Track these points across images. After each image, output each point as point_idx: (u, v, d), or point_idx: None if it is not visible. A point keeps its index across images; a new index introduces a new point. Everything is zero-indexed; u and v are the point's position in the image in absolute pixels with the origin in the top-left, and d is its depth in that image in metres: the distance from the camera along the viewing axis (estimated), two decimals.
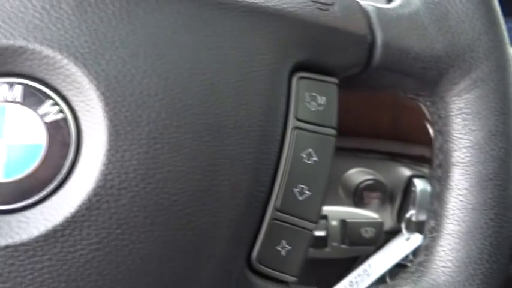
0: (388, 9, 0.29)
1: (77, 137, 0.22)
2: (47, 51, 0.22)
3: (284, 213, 0.25)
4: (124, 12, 0.23)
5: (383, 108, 0.50)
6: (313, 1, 0.27)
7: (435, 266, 0.27)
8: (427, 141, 0.51)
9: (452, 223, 0.27)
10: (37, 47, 0.22)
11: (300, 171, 0.25)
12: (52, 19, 0.22)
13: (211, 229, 0.23)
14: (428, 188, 0.47)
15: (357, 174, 0.50)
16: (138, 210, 0.21)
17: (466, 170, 0.28)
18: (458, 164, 0.28)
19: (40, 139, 0.22)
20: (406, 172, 0.49)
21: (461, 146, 0.28)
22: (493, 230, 0.27)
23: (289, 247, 0.25)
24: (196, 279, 0.23)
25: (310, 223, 0.25)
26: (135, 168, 0.21)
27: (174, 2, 0.24)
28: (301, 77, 0.26)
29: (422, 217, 0.47)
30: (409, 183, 0.48)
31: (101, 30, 0.22)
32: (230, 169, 0.23)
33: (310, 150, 0.26)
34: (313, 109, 0.26)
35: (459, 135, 0.28)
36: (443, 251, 0.27)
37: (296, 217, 0.25)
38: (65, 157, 0.22)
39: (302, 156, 0.25)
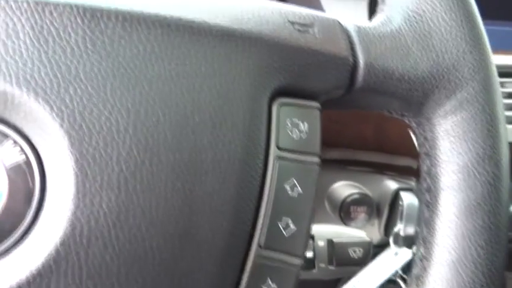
0: (370, 28, 0.28)
1: (41, 181, 0.20)
2: (5, 87, 0.20)
3: (269, 249, 0.24)
4: (88, 41, 0.21)
5: (368, 120, 0.49)
6: (291, 22, 0.26)
7: None
8: (413, 153, 0.50)
9: (442, 251, 0.26)
10: None
11: (283, 203, 0.24)
12: (9, 51, 0.20)
13: (191, 274, 0.21)
14: (415, 201, 0.46)
15: (343, 188, 0.49)
16: (110, 259, 0.20)
17: (455, 196, 0.27)
18: (447, 188, 0.27)
19: (0, 185, 0.20)
20: (393, 185, 0.48)
21: (448, 170, 0.27)
22: (485, 258, 0.26)
23: (275, 285, 0.24)
24: None
25: (296, 258, 0.24)
26: (105, 213, 0.20)
27: (143, 29, 0.22)
28: (282, 104, 0.25)
29: (410, 231, 0.46)
30: (395, 197, 0.47)
31: (63, 62, 0.21)
32: (209, 209, 0.22)
33: (293, 179, 0.25)
34: (295, 137, 0.25)
35: (446, 159, 0.27)
36: (434, 281, 0.26)
37: (281, 252, 0.24)
38: (28, 204, 0.20)
39: (285, 188, 0.24)
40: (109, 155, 0.20)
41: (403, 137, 0.47)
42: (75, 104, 0.20)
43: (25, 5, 0.21)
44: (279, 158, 0.24)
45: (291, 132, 0.25)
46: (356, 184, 0.49)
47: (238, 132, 0.23)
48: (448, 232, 0.27)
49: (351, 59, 0.26)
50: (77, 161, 0.20)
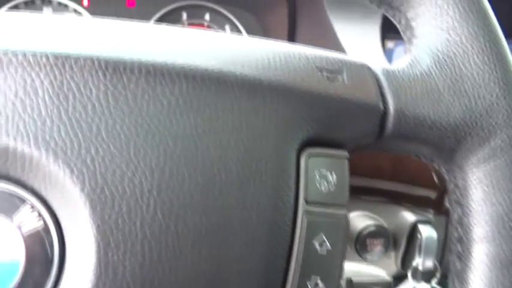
0: (398, 71, 0.27)
1: (60, 249, 0.19)
2: (22, 148, 0.19)
3: None
4: (110, 96, 0.20)
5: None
6: (319, 69, 0.25)
7: None
8: (431, 184, 0.49)
9: None
10: (10, 142, 0.19)
11: (312, 261, 0.23)
12: (27, 109, 0.19)
13: None
14: (434, 234, 0.45)
15: (359, 219, 0.47)
16: None
17: (488, 248, 0.26)
18: (480, 240, 0.26)
19: (17, 254, 0.19)
20: (410, 217, 0.47)
21: (481, 220, 0.26)
22: None
23: None
24: None
25: None
26: (129, 284, 0.19)
27: (167, 82, 0.21)
28: (310, 155, 0.24)
29: (429, 265, 0.45)
30: (413, 229, 0.46)
31: (84, 120, 0.20)
32: (237, 273, 0.20)
33: (322, 235, 0.23)
34: (323, 189, 0.24)
35: (479, 209, 0.26)
36: None
37: None
38: (46, 274, 0.19)
39: (314, 245, 0.23)
40: (132, 220, 0.19)
41: (422, 167, 0.46)
42: (97, 166, 0.19)
43: (44, 59, 0.20)
44: (308, 212, 0.23)
45: (319, 184, 0.24)
46: (372, 215, 0.48)
47: (267, 189, 0.22)
48: (481, 287, 0.25)
49: (381, 105, 0.25)
50: (98, 227, 0.19)
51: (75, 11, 0.71)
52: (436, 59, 0.27)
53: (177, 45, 0.23)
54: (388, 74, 0.26)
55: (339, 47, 0.63)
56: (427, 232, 0.45)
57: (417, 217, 0.46)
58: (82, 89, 0.20)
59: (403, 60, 0.28)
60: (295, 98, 0.23)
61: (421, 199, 0.49)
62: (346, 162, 0.25)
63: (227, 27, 0.75)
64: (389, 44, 0.83)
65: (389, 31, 0.75)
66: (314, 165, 0.24)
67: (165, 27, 0.24)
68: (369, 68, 0.26)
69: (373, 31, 0.64)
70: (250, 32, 0.74)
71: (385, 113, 0.25)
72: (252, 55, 0.23)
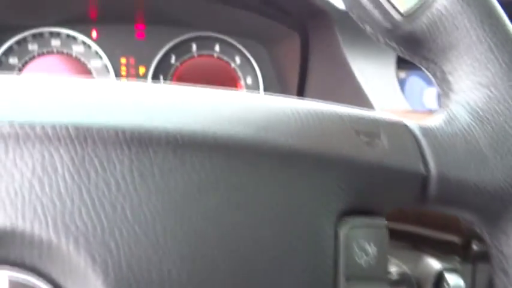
0: (437, 129, 0.25)
1: None
2: (40, 233, 0.17)
3: None
4: (136, 172, 0.18)
5: None
6: (356, 132, 0.23)
7: None
8: (456, 229, 0.47)
9: None
10: (27, 227, 0.17)
11: None
12: (45, 188, 0.17)
13: None
14: (462, 284, 0.43)
15: None
16: None
17: None
18: None
19: None
20: (436, 265, 0.44)
21: None
22: None
23: None
24: None
25: None
26: None
27: (197, 155, 0.19)
28: (348, 227, 0.22)
29: None
30: (439, 278, 0.44)
31: (107, 199, 0.18)
32: None
33: None
34: (363, 263, 0.22)
35: None
36: None
37: None
38: None
39: None
40: None
41: (446, 214, 0.44)
42: (121, 252, 0.17)
43: (64, 131, 0.18)
44: None
45: (358, 257, 0.22)
46: (394, 260, 0.46)
47: (304, 269, 0.20)
48: None
49: (422, 170, 0.24)
50: None
51: (84, 43, 0.70)
52: (476, 115, 0.25)
53: (205, 109, 0.21)
54: (426, 132, 0.25)
55: (353, 81, 0.62)
56: (454, 281, 0.43)
57: (443, 265, 0.44)
58: (105, 164, 0.18)
59: (440, 116, 0.27)
60: (333, 167, 0.21)
61: (446, 244, 0.47)
62: (386, 232, 0.23)
63: (237, 58, 0.74)
64: (402, 75, 0.82)
65: (401, 61, 0.74)
66: (352, 237, 0.22)
67: (189, 88, 0.23)
68: (406, 127, 0.25)
69: (389, 68, 0.63)
70: (261, 63, 0.73)
71: (426, 178, 0.24)
72: (285, 119, 0.22)
